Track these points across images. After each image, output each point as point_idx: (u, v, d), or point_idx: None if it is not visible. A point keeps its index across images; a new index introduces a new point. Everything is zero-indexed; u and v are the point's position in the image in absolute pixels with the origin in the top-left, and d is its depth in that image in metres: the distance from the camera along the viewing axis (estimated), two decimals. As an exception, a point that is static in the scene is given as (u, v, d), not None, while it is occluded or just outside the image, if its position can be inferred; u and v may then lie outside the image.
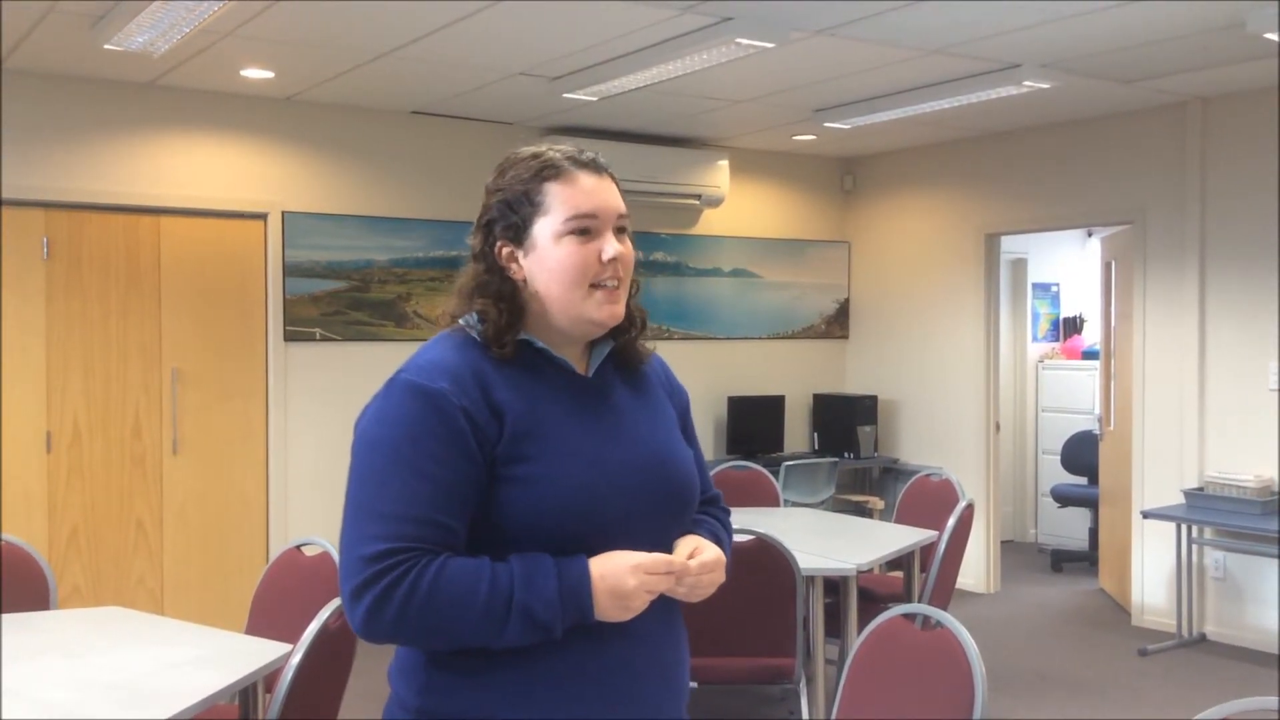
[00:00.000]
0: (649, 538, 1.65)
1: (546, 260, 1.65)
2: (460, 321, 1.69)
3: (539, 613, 1.53)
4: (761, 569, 3.86)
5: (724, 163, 7.24)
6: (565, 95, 5.71)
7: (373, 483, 1.57)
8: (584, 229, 1.65)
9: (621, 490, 1.64)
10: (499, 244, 1.68)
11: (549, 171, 1.66)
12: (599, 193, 1.67)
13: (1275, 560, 5.80)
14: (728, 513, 1.90)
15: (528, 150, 1.71)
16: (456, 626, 1.53)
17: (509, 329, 1.65)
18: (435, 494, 1.55)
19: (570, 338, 1.70)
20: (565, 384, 1.69)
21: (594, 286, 1.65)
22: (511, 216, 1.67)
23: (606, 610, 1.57)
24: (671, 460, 1.73)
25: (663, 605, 1.66)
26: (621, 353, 1.77)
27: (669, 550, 1.67)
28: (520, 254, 1.68)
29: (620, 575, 1.57)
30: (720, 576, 1.68)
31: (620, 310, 1.69)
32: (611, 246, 1.66)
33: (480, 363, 1.63)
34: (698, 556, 1.66)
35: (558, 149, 1.70)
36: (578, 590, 1.55)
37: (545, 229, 1.65)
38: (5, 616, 3.35)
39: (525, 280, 1.67)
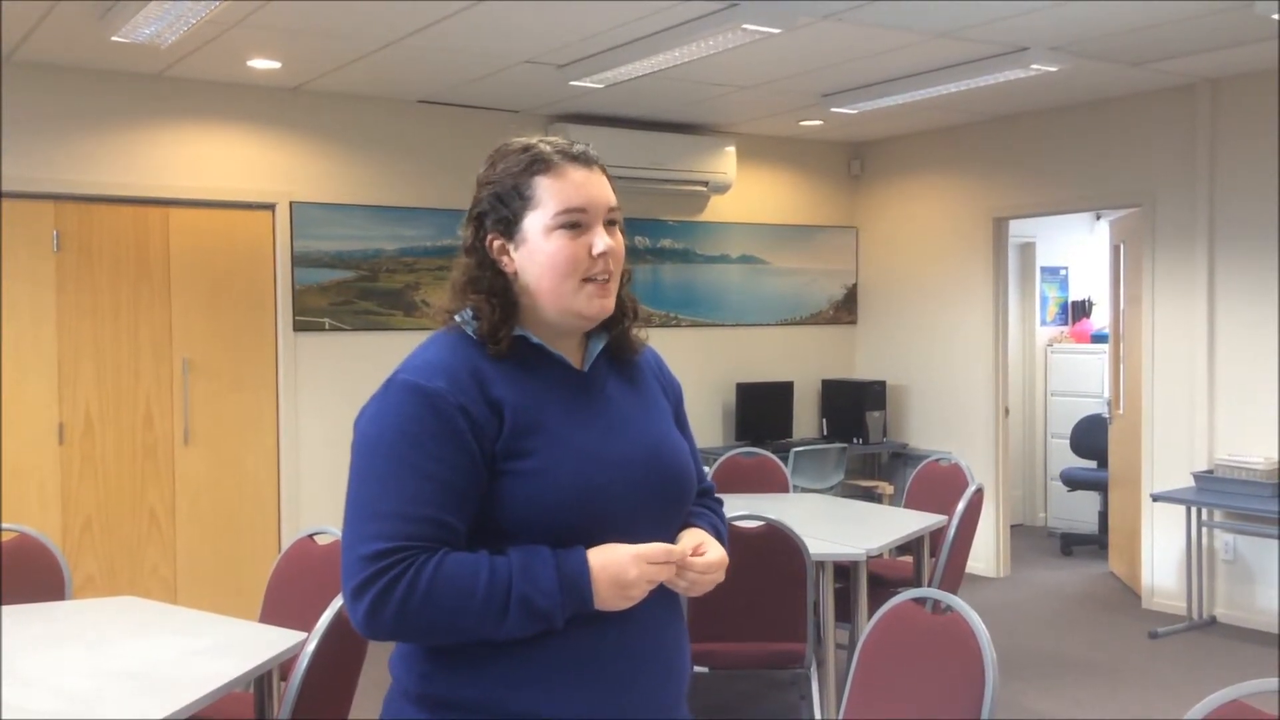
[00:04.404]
0: (648, 530, 1.66)
1: (537, 254, 1.65)
2: (456, 319, 1.70)
3: (538, 603, 1.54)
4: (772, 555, 3.87)
5: (731, 149, 7.23)
6: (572, 83, 5.71)
7: (371, 482, 1.58)
8: (574, 223, 1.65)
9: (620, 483, 1.65)
10: (490, 237, 1.69)
11: (539, 165, 1.66)
12: (589, 186, 1.67)
13: (1285, 542, 5.81)
14: (721, 503, 1.92)
15: (518, 142, 1.71)
16: (456, 621, 1.54)
17: (503, 324, 1.66)
18: (433, 492, 1.56)
19: (562, 331, 1.71)
20: (562, 378, 1.70)
21: (585, 280, 1.65)
22: (502, 210, 1.67)
23: (607, 599, 1.58)
24: (669, 452, 1.75)
25: (663, 593, 1.67)
26: (615, 344, 1.77)
27: (669, 541, 1.68)
28: (511, 247, 1.68)
29: (622, 565, 1.58)
30: (720, 577, 1.69)
31: (610, 304, 1.69)
32: (602, 240, 1.66)
33: (477, 360, 1.64)
34: (703, 555, 1.67)
35: (548, 142, 1.69)
36: (576, 579, 1.56)
37: (535, 223, 1.65)
38: (22, 607, 3.38)
39: (516, 273, 1.68)
